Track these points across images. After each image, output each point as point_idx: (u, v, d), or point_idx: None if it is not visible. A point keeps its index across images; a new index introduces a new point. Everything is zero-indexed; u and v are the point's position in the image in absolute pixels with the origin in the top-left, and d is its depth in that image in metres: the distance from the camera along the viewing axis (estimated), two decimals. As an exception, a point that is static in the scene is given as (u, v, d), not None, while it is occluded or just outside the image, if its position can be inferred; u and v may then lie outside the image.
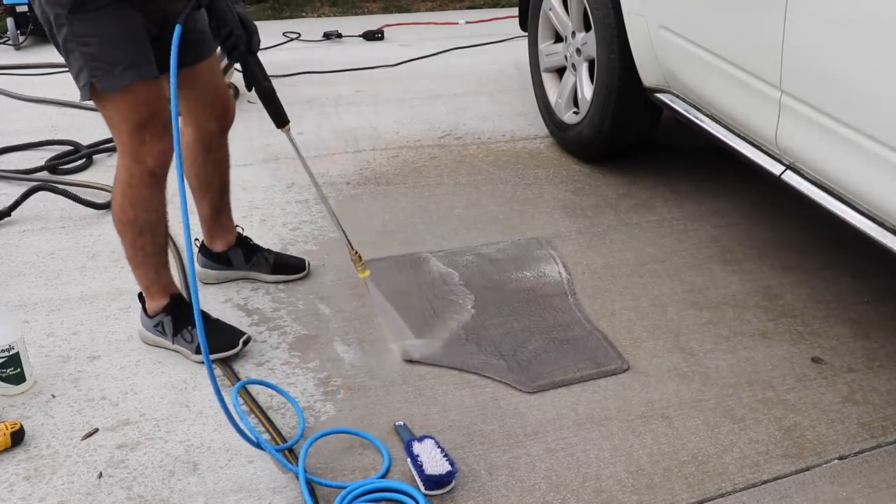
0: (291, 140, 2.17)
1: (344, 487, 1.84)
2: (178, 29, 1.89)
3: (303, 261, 2.68)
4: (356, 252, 2.26)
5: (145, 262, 2.25)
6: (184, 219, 1.83)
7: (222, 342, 2.25)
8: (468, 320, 2.46)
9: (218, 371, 2.23)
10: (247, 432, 1.89)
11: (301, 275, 2.64)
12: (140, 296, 2.34)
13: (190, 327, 2.26)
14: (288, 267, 2.65)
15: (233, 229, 2.62)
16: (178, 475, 1.91)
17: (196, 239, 2.55)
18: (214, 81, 2.31)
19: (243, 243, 2.62)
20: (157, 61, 2.04)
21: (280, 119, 2.10)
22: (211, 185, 2.48)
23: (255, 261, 2.61)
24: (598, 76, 3.21)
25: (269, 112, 2.08)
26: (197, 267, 2.60)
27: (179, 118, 2.14)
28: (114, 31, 1.96)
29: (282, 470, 1.92)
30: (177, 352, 2.30)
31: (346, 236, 2.25)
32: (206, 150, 2.39)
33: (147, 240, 2.21)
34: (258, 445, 1.90)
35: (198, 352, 2.24)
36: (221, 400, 1.87)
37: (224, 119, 2.37)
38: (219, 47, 2.07)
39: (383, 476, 1.89)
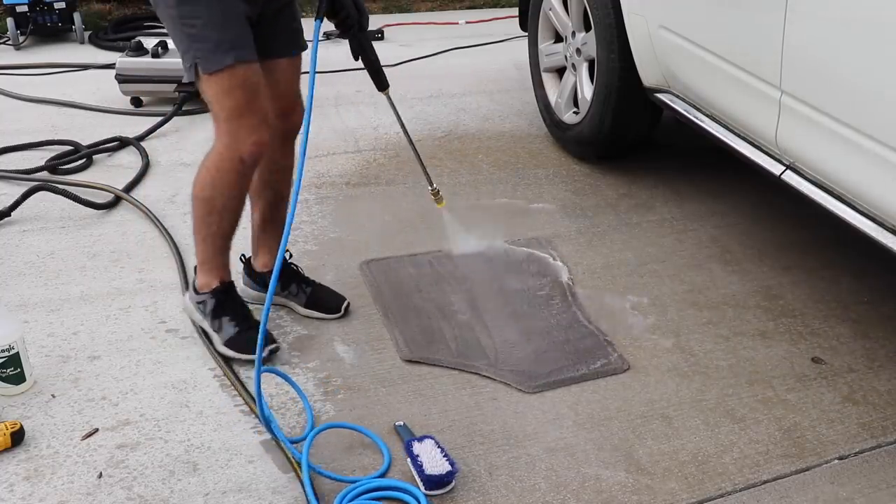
0: (390, 100, 2.39)
1: (353, 482, 1.85)
2: (316, 24, 1.97)
3: (341, 301, 2.47)
4: (436, 188, 2.56)
5: (207, 238, 2.25)
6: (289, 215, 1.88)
7: (251, 346, 2.20)
8: (468, 320, 2.46)
9: (218, 371, 2.24)
10: (267, 423, 1.91)
11: (335, 316, 2.46)
12: (195, 269, 2.35)
13: (227, 318, 2.27)
14: (322, 304, 2.47)
15: (276, 251, 2.46)
16: (178, 475, 1.91)
17: (242, 255, 2.52)
18: (290, 81, 2.31)
19: (285, 269, 2.45)
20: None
21: (382, 84, 2.33)
22: (264, 190, 2.40)
23: (291, 290, 2.47)
24: (598, 76, 3.21)
25: (372, 78, 2.31)
26: (239, 284, 2.46)
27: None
28: (218, 13, 2.03)
29: (282, 469, 1.92)
30: (206, 334, 2.31)
31: (426, 170, 2.55)
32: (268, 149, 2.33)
33: (214, 220, 2.21)
34: (276, 438, 1.91)
35: (226, 345, 2.26)
36: (260, 393, 1.89)
37: (289, 120, 2.32)
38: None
39: (383, 475, 1.89)
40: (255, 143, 2.10)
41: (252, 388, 2.17)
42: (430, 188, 2.56)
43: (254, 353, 2.13)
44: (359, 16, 2.15)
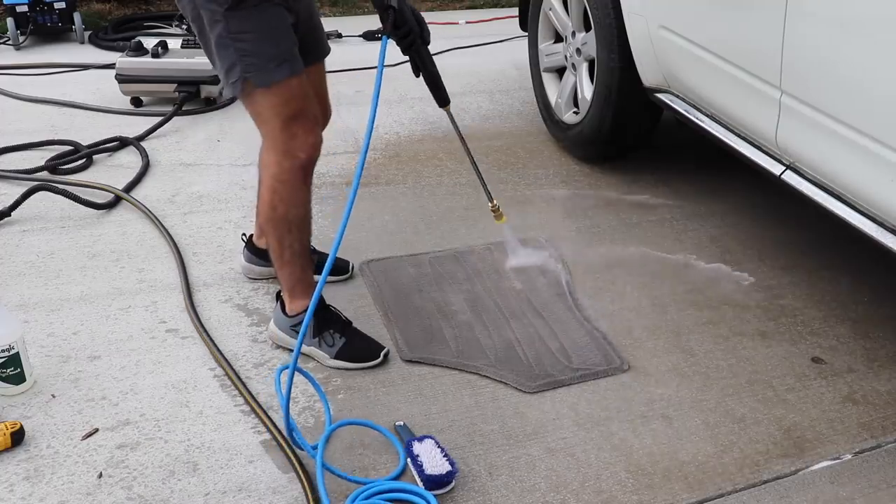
0: (451, 117, 2.44)
1: (365, 483, 1.85)
2: (384, 40, 2.03)
3: (346, 263, 2.66)
4: (496, 204, 2.58)
5: (292, 260, 2.22)
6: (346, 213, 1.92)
7: (364, 353, 2.25)
8: (468, 320, 2.46)
9: (218, 371, 2.24)
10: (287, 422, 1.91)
11: (343, 277, 2.62)
12: (278, 295, 2.32)
13: (332, 331, 2.24)
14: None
15: None
16: (178, 475, 1.91)
17: (244, 234, 2.64)
18: (319, 84, 2.35)
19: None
20: None
21: (443, 100, 2.36)
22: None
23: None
24: (598, 76, 3.21)
25: (433, 93, 2.33)
26: (241, 262, 2.64)
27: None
28: (269, 26, 2.02)
29: (282, 469, 1.92)
30: (309, 355, 2.27)
31: (486, 187, 2.58)
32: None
33: (295, 237, 2.20)
34: (293, 440, 1.92)
35: (336, 357, 2.24)
36: (282, 384, 1.91)
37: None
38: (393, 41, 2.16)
39: (397, 477, 1.90)
40: (312, 145, 2.12)
41: (252, 388, 2.18)
42: (490, 204, 2.57)
43: (375, 359, 2.23)
44: (420, 29, 2.15)
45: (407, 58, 2.25)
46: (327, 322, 2.26)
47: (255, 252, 2.60)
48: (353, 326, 2.30)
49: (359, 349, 2.26)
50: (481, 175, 2.56)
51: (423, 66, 2.25)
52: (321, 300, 2.25)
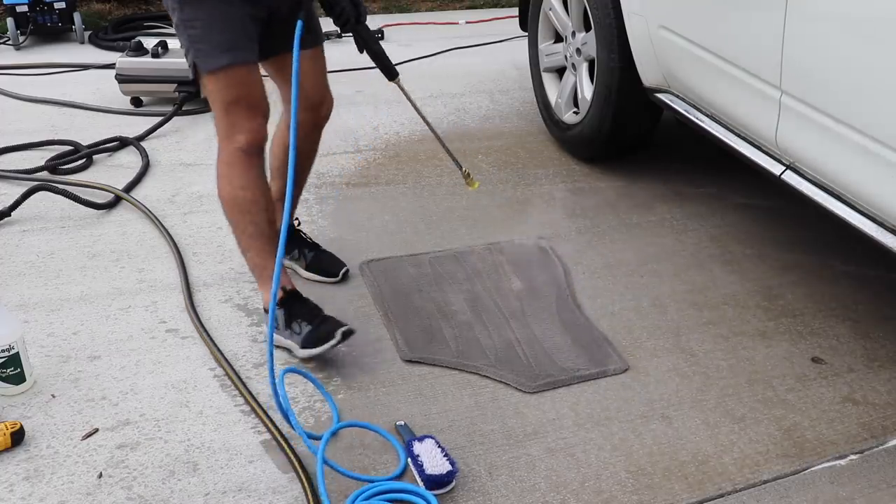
0: (402, 89, 2.38)
1: (369, 481, 1.86)
2: (299, 24, 2.07)
3: (340, 267, 2.65)
4: (465, 170, 2.48)
5: (249, 245, 2.27)
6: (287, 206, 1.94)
7: (322, 335, 2.23)
8: (468, 320, 2.46)
9: (218, 371, 2.24)
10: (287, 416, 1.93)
11: (331, 280, 2.63)
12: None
13: (300, 320, 2.27)
14: (321, 268, 2.64)
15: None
16: (178, 475, 1.91)
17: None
18: (315, 73, 2.38)
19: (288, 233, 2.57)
20: (263, 45, 2.21)
21: (391, 74, 2.34)
22: (281, 168, 2.49)
23: (294, 254, 2.65)
24: (598, 76, 3.21)
25: (380, 68, 2.34)
26: None
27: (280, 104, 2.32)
28: (217, 16, 2.11)
29: (282, 469, 1.92)
30: (283, 348, 2.29)
31: (452, 154, 2.49)
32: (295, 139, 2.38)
33: (248, 220, 2.23)
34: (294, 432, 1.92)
35: (302, 346, 2.25)
36: (273, 380, 1.92)
37: (317, 113, 2.44)
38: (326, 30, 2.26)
39: (398, 477, 1.90)
40: (250, 130, 2.18)
41: (252, 388, 2.18)
42: (461, 170, 2.51)
43: (327, 343, 2.22)
44: (354, 8, 2.19)
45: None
46: (294, 312, 2.28)
47: None
48: (321, 312, 2.31)
49: (318, 332, 2.24)
50: (444, 143, 2.52)
51: (366, 43, 2.28)
52: (291, 292, 2.31)
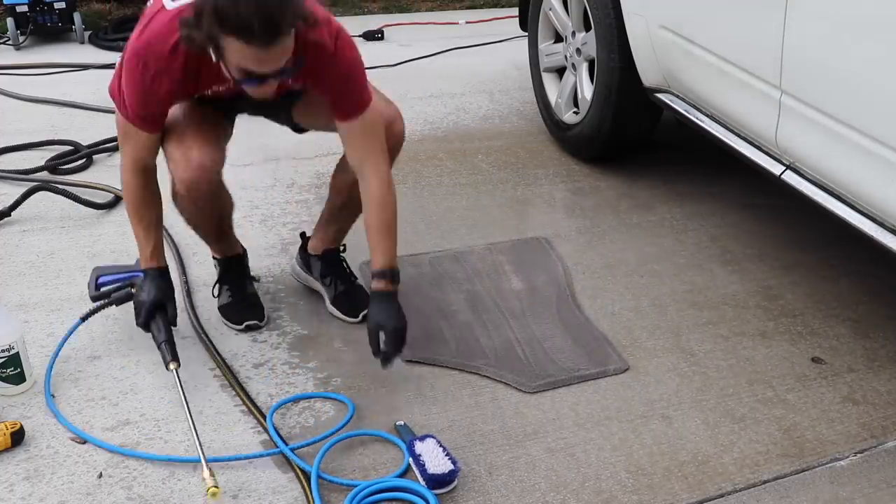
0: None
1: (354, 486, 1.85)
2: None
3: (362, 308, 2.36)
4: (212, 475, 1.84)
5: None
6: None
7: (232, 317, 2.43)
8: (468, 320, 2.46)
9: (218, 371, 2.24)
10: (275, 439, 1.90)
11: (353, 320, 2.44)
12: (302, 234, 2.58)
13: (227, 288, 2.48)
14: (343, 304, 2.47)
15: (332, 241, 2.52)
16: (178, 475, 1.91)
17: (303, 233, 2.61)
18: (361, 141, 2.28)
19: (327, 258, 2.51)
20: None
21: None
22: (339, 192, 2.43)
23: (327, 281, 2.50)
24: (598, 76, 3.21)
25: None
26: (294, 264, 2.62)
27: None
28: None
29: (282, 470, 1.92)
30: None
31: (199, 440, 1.94)
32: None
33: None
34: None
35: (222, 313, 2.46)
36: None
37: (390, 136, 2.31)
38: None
39: (401, 475, 1.90)
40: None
41: (252, 388, 2.18)
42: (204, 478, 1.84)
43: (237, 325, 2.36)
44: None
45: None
46: (226, 279, 2.49)
47: (302, 255, 2.58)
48: (248, 290, 2.48)
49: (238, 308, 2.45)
50: (195, 426, 1.97)
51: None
52: (235, 258, 2.49)
